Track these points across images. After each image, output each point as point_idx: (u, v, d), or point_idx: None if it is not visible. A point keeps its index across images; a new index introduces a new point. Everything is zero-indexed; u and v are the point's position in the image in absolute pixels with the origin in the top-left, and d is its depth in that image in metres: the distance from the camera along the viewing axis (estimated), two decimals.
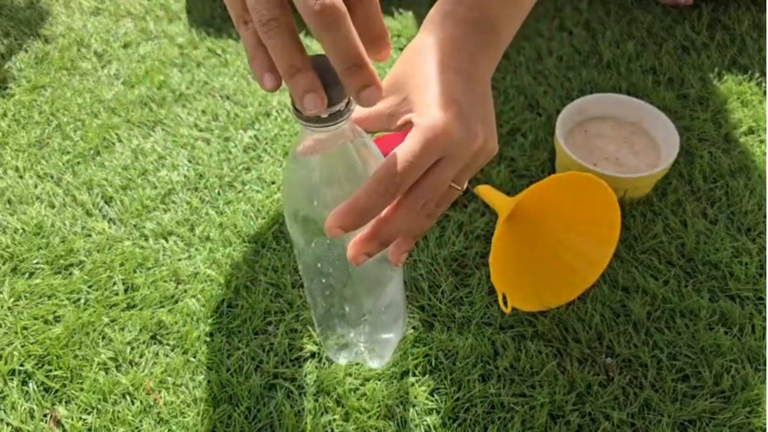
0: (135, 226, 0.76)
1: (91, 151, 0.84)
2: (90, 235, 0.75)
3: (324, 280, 0.53)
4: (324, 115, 0.38)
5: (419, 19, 1.02)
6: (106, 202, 0.78)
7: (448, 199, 0.46)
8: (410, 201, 0.41)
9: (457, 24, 0.45)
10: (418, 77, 0.43)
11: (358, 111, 0.45)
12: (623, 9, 1.00)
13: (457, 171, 0.42)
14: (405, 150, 0.39)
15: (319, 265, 0.51)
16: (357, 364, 0.63)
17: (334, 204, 0.42)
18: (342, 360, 0.63)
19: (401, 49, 0.96)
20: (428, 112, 0.41)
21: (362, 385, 0.62)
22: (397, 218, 0.41)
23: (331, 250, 0.48)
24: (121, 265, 0.72)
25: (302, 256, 0.52)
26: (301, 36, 1.01)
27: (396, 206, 0.41)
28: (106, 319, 0.67)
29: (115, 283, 0.70)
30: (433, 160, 0.40)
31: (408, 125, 0.42)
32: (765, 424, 0.59)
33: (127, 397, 0.62)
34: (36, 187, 0.80)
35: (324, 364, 0.64)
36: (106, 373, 0.64)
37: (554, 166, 0.79)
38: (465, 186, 0.46)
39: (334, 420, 0.60)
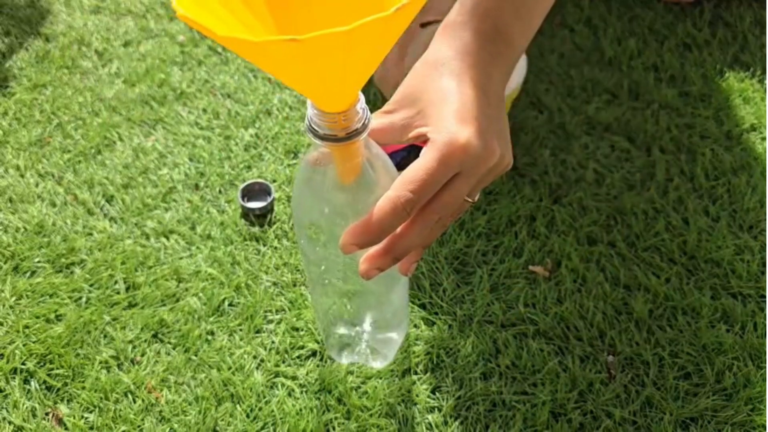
0: (136, 224, 0.76)
1: (92, 150, 0.84)
2: (91, 234, 0.75)
3: (329, 283, 0.53)
4: (341, 135, 0.39)
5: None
6: (107, 201, 0.78)
7: (461, 211, 0.46)
8: (425, 217, 0.40)
9: (470, 37, 0.45)
10: (432, 91, 0.43)
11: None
12: (625, 6, 1.00)
13: (472, 186, 0.42)
14: (421, 167, 0.39)
15: (325, 268, 0.51)
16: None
17: (345, 212, 0.42)
18: (344, 360, 0.63)
19: None
20: (445, 127, 0.40)
21: (364, 383, 0.62)
22: (411, 234, 0.41)
23: (339, 257, 0.48)
24: (123, 263, 0.72)
25: (309, 260, 0.52)
26: None
27: (410, 223, 0.40)
28: (107, 318, 0.67)
29: (116, 282, 0.70)
30: (448, 177, 0.40)
31: (420, 138, 0.42)
32: (767, 422, 0.59)
33: (129, 396, 0.62)
34: (37, 185, 0.80)
35: (326, 362, 0.64)
36: (108, 371, 0.64)
37: (555, 164, 0.79)
38: (477, 198, 0.45)
39: (336, 418, 0.60)
